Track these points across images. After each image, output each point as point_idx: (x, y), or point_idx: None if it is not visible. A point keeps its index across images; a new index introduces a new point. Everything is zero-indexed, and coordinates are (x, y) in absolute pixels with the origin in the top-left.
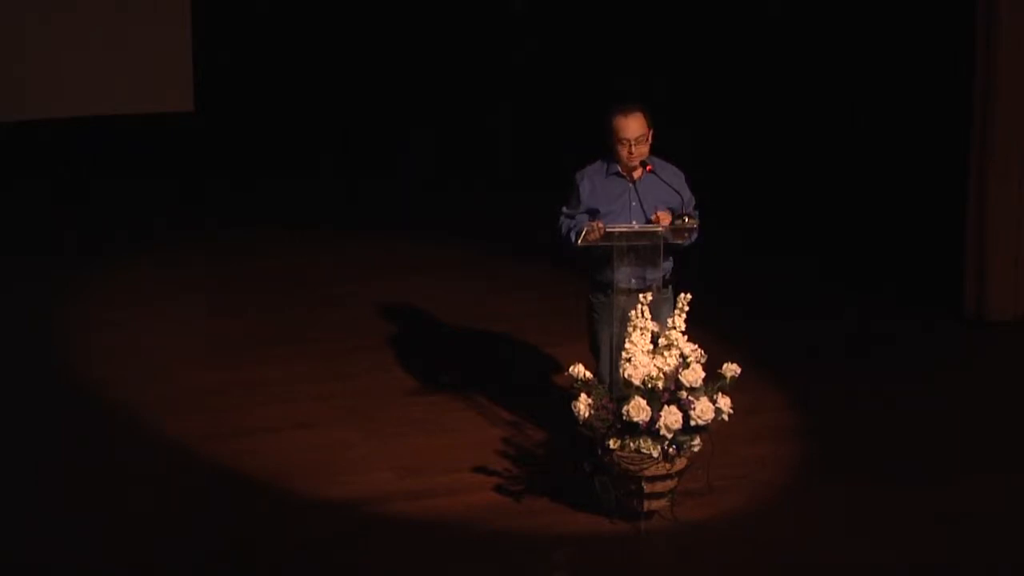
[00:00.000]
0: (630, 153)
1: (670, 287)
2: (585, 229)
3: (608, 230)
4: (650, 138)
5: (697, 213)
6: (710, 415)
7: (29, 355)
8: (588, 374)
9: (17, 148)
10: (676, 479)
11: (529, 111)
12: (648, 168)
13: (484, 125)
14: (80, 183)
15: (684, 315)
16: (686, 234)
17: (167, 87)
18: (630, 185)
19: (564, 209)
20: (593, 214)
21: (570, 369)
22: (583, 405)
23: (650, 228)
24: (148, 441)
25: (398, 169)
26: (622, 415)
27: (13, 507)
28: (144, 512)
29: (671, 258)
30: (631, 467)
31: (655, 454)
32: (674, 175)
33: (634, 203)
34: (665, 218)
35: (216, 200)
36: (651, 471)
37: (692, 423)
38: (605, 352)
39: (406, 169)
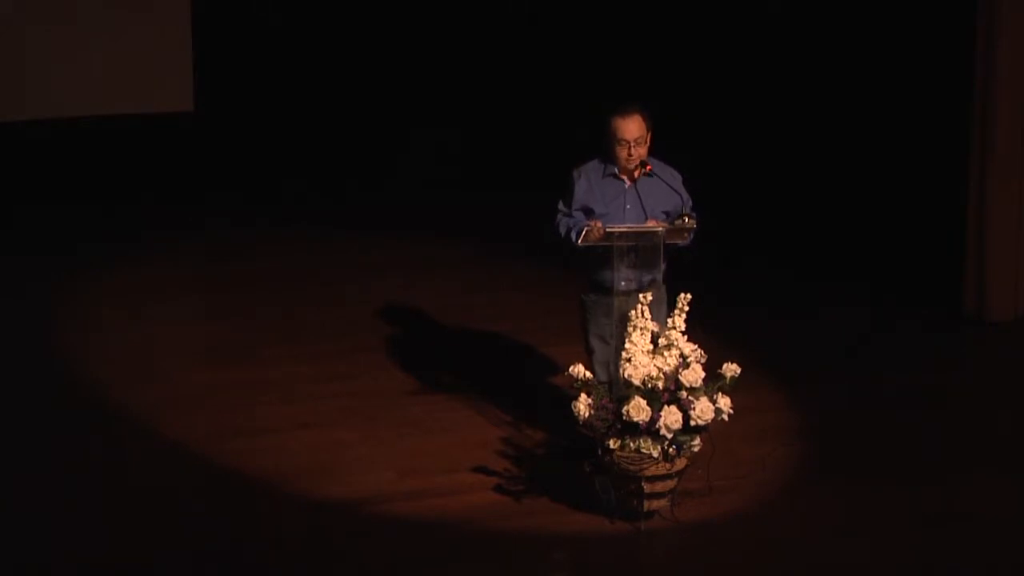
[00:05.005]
0: (629, 155)
1: (663, 287)
2: (585, 229)
3: (608, 230)
4: (649, 140)
5: (695, 215)
6: (710, 415)
7: (29, 355)
8: (588, 374)
9: (17, 148)
10: (676, 479)
11: (529, 110)
12: (648, 168)
13: (484, 124)
14: (80, 183)
15: (684, 315)
16: (685, 234)
17: (167, 87)
18: (626, 188)
19: (560, 206)
20: (587, 213)
21: (570, 369)
22: (583, 405)
23: (649, 228)
24: (148, 441)
25: (398, 169)
26: (622, 415)
27: (13, 507)
28: (144, 512)
29: (665, 258)
30: (631, 467)
31: (655, 454)
32: (672, 176)
33: (628, 206)
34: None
35: (216, 200)
36: (651, 471)
37: (692, 423)
38: (598, 352)
39: (406, 168)
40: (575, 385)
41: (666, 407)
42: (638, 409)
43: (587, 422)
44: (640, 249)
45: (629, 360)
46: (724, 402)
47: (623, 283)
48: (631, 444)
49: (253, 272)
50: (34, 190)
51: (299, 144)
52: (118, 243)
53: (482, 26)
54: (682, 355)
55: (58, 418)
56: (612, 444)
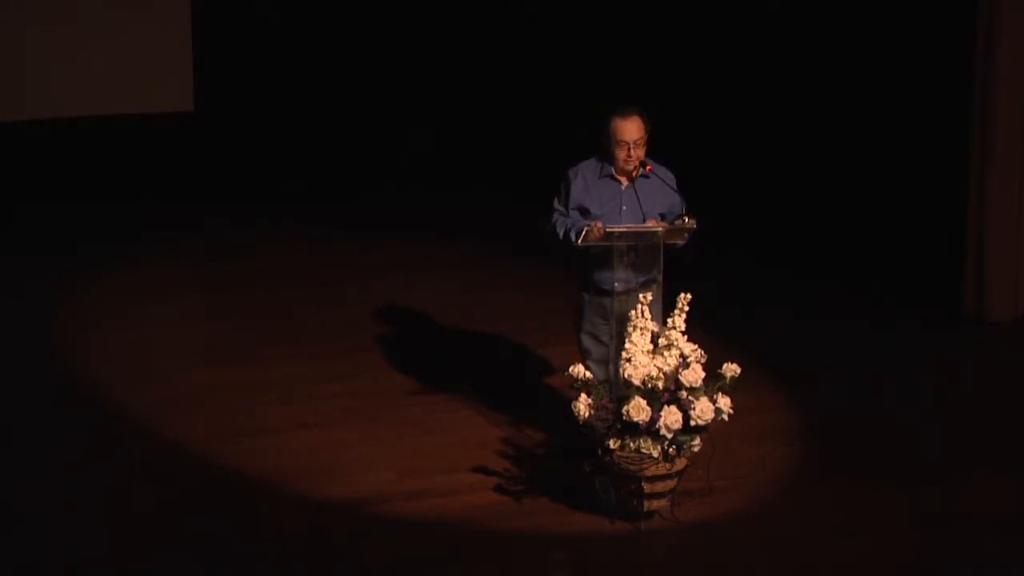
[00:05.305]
0: (628, 156)
1: (661, 287)
2: (585, 229)
3: (608, 230)
4: (647, 141)
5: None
6: (710, 415)
7: (30, 355)
8: (588, 374)
9: (17, 148)
10: (676, 479)
11: (529, 110)
12: (648, 168)
13: (484, 124)
14: (80, 183)
15: (684, 315)
16: (684, 234)
17: (167, 87)
18: (622, 189)
19: (556, 204)
20: (583, 213)
21: (570, 369)
22: (583, 405)
23: (649, 228)
24: (148, 441)
25: (399, 167)
26: (622, 415)
27: (12, 507)
28: (144, 512)
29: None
30: (631, 467)
31: (655, 454)
32: (668, 177)
33: (625, 207)
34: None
35: (216, 200)
36: (651, 471)
37: (692, 423)
38: (593, 351)
39: (406, 168)
40: (575, 385)
41: (666, 407)
42: (638, 409)
43: (587, 422)
44: (639, 249)
45: (629, 360)
46: (724, 402)
47: (618, 283)
48: (631, 444)
49: (253, 272)
50: (34, 190)
51: (299, 144)
52: (118, 243)
53: (482, 26)
54: (682, 355)
55: (58, 418)
56: (612, 444)
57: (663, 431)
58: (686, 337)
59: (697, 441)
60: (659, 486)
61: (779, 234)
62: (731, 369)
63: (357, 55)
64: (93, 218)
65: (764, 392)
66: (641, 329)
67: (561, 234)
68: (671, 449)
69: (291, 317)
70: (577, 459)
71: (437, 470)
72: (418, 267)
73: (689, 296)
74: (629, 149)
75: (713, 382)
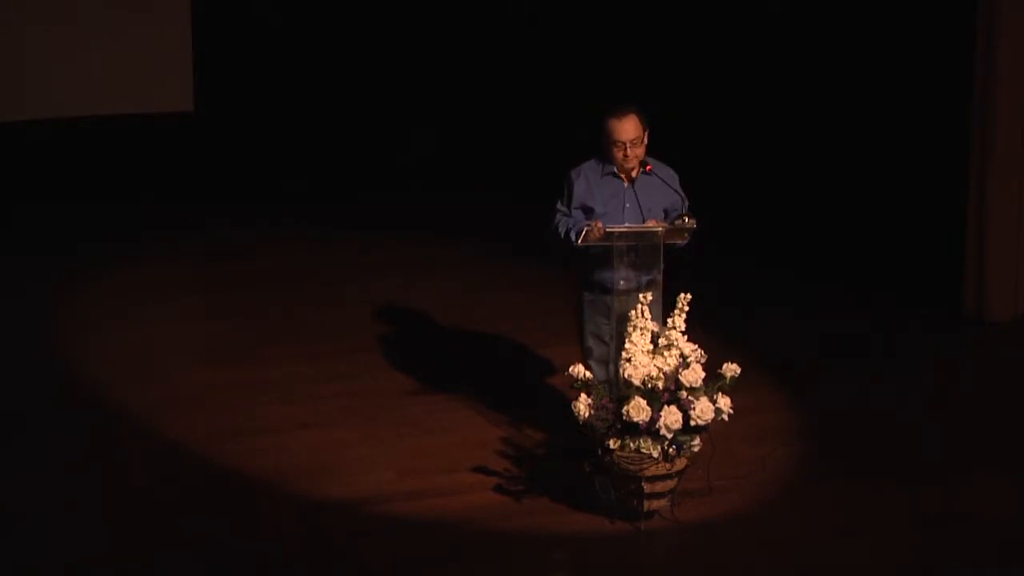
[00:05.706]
0: (625, 156)
1: (661, 287)
2: (585, 229)
3: (608, 230)
4: (645, 139)
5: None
6: (710, 415)
7: (30, 355)
8: (588, 374)
9: (17, 148)
10: (676, 479)
11: (528, 110)
12: (648, 168)
13: (484, 124)
14: (80, 183)
15: (684, 315)
16: (685, 234)
17: (167, 87)
18: (624, 187)
19: (559, 206)
20: (586, 212)
21: (570, 369)
22: (583, 405)
23: (649, 228)
24: (148, 441)
25: (399, 167)
26: (622, 415)
27: (12, 507)
28: (144, 512)
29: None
30: (631, 467)
31: (655, 454)
32: (670, 176)
33: (628, 205)
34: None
35: (216, 200)
36: (651, 471)
37: (692, 423)
38: (595, 351)
39: (406, 168)
40: (575, 385)
41: (666, 407)
42: (638, 409)
43: (587, 422)
44: (640, 249)
45: (629, 360)
46: (724, 402)
47: (622, 283)
48: (631, 444)
49: (253, 272)
50: (34, 190)
51: (299, 144)
52: (118, 243)
53: (482, 26)
54: (682, 355)
55: (58, 418)
56: (612, 444)
57: (663, 431)
58: (686, 337)
59: (697, 441)
60: (659, 486)
61: (779, 234)
62: (731, 369)
63: (357, 55)
64: (93, 218)
65: (764, 392)
66: (641, 329)
67: (562, 234)
68: (671, 449)
69: (291, 317)
70: (577, 459)
71: (437, 470)
72: (418, 267)
73: (689, 296)
74: (626, 149)
75: (713, 382)
